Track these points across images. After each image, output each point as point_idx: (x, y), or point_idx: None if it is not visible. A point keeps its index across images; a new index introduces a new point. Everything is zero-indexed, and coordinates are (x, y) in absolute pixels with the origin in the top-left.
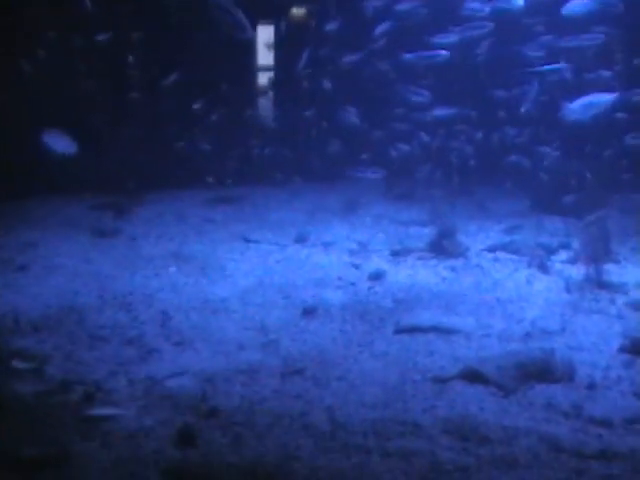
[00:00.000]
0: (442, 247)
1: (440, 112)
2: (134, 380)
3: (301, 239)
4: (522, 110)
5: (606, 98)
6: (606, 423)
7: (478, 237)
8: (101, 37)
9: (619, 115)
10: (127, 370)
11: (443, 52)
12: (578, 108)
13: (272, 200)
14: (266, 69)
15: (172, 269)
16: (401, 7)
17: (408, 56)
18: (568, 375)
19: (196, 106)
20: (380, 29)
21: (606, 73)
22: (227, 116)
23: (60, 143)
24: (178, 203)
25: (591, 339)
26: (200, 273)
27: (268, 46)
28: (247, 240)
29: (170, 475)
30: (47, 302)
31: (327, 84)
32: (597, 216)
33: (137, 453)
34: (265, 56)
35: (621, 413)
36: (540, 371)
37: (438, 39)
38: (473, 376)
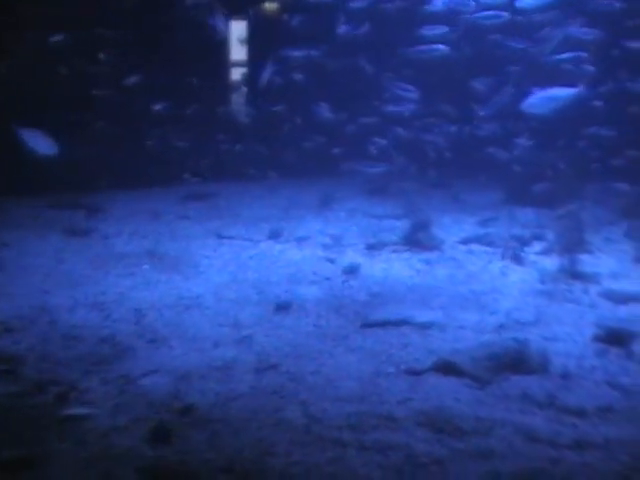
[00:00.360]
0: (416, 240)
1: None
2: (108, 379)
3: (275, 235)
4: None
5: (567, 92)
6: (580, 412)
7: (452, 230)
8: (71, 34)
9: (593, 105)
10: (101, 369)
11: (441, 46)
12: (538, 101)
13: (246, 196)
14: (240, 64)
15: (145, 267)
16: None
17: (407, 51)
18: (542, 365)
19: (168, 103)
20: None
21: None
22: (201, 112)
23: (42, 144)
24: (152, 200)
25: (565, 329)
26: (173, 270)
27: (241, 41)
28: (221, 236)
29: (145, 473)
30: (20, 302)
31: (301, 79)
32: (570, 207)
33: (112, 452)
34: (239, 51)
35: (595, 402)
36: (514, 362)
37: (423, 32)
38: (448, 368)
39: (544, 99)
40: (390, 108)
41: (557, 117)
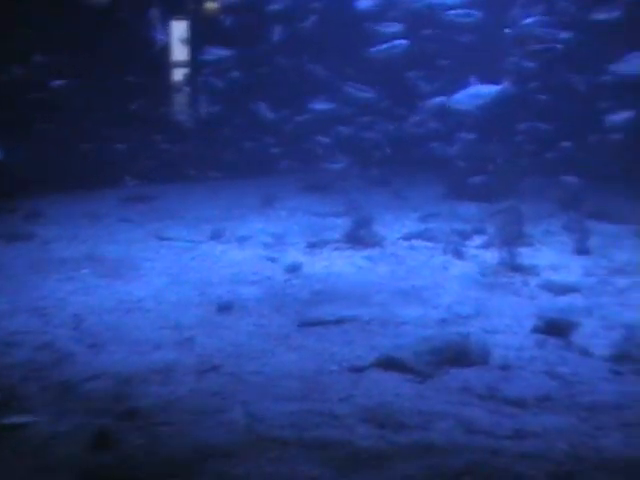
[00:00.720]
0: (358, 237)
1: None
2: (48, 386)
3: (216, 235)
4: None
5: (491, 89)
6: (520, 403)
7: (394, 226)
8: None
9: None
10: (41, 376)
11: (403, 42)
12: (464, 98)
13: (188, 197)
14: (181, 65)
15: (85, 271)
16: None
17: (369, 50)
18: (483, 358)
19: (108, 104)
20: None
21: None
22: (141, 113)
23: None
24: (92, 203)
25: (505, 321)
26: (114, 274)
27: (183, 41)
28: (162, 238)
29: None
30: None
31: (241, 79)
32: (509, 202)
33: (52, 460)
34: (180, 52)
35: (534, 392)
36: (456, 355)
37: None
38: (389, 363)
39: (469, 96)
40: (330, 106)
41: (483, 112)
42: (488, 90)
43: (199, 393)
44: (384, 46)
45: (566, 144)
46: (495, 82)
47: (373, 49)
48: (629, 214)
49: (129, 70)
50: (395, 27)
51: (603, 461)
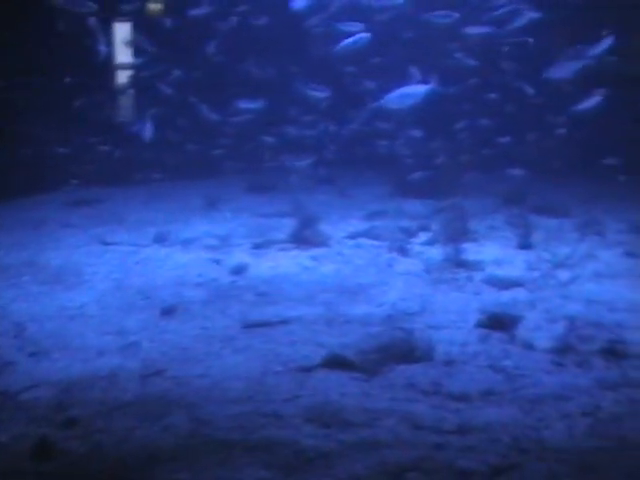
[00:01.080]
0: (304, 237)
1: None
2: None
3: (161, 238)
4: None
5: (420, 89)
6: (464, 397)
7: (340, 225)
8: None
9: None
10: None
11: (364, 35)
12: (395, 98)
13: (132, 200)
14: (125, 67)
15: (26, 278)
16: None
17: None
18: (427, 354)
19: (50, 107)
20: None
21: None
22: (84, 115)
23: None
24: (34, 209)
25: (450, 317)
26: (56, 280)
27: (126, 43)
28: (105, 243)
29: None
30: None
31: (183, 80)
32: (452, 199)
33: None
34: (123, 54)
35: (478, 386)
36: (401, 352)
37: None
38: (335, 363)
39: (400, 95)
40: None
41: (412, 111)
42: (417, 90)
43: (143, 398)
44: (349, 40)
45: (508, 139)
46: (425, 81)
47: (338, 45)
48: (571, 208)
49: (70, 71)
50: (354, 26)
51: (545, 452)
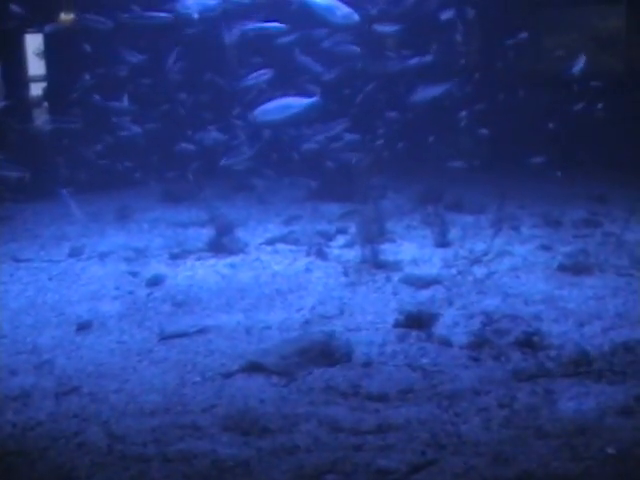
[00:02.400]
0: (221, 245)
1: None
2: None
3: (76, 252)
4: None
5: (301, 101)
6: (382, 397)
7: (257, 231)
8: None
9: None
10: None
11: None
12: (271, 109)
13: (45, 215)
14: (38, 79)
15: None
16: None
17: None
18: (346, 356)
19: None
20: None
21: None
22: None
23: None
24: None
25: (368, 318)
26: None
27: (39, 55)
28: (18, 260)
29: None
30: None
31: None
32: (370, 199)
33: None
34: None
35: (396, 386)
36: (319, 355)
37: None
38: (253, 369)
39: (277, 107)
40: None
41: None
42: (298, 102)
43: (58, 417)
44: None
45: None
46: (306, 96)
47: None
48: (486, 204)
49: None
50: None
51: (462, 446)
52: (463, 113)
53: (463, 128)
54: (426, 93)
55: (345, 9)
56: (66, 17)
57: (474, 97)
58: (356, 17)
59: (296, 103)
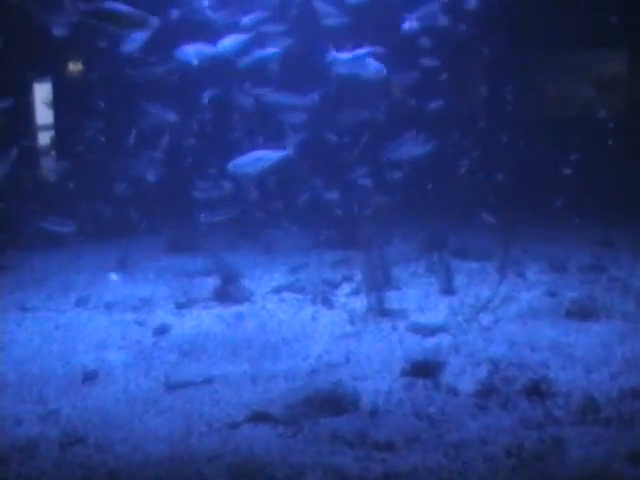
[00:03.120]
0: (227, 294)
1: None
2: None
3: (82, 302)
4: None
5: (274, 155)
6: (389, 446)
7: (263, 280)
8: None
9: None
10: None
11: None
12: (245, 162)
13: (52, 264)
14: (46, 128)
15: None
16: None
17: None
18: (353, 405)
19: None
20: None
21: None
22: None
23: None
24: None
25: (374, 367)
26: None
27: (47, 104)
28: (24, 309)
29: None
30: None
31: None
32: (375, 246)
33: None
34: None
35: (403, 435)
36: (326, 404)
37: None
38: (259, 419)
39: (251, 160)
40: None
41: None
42: (271, 155)
43: (63, 467)
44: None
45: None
46: (279, 148)
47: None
48: (491, 250)
49: None
50: None
51: None
52: (465, 161)
53: (465, 175)
54: (408, 152)
55: (376, 64)
56: (75, 67)
57: (477, 143)
58: (385, 71)
59: (269, 156)
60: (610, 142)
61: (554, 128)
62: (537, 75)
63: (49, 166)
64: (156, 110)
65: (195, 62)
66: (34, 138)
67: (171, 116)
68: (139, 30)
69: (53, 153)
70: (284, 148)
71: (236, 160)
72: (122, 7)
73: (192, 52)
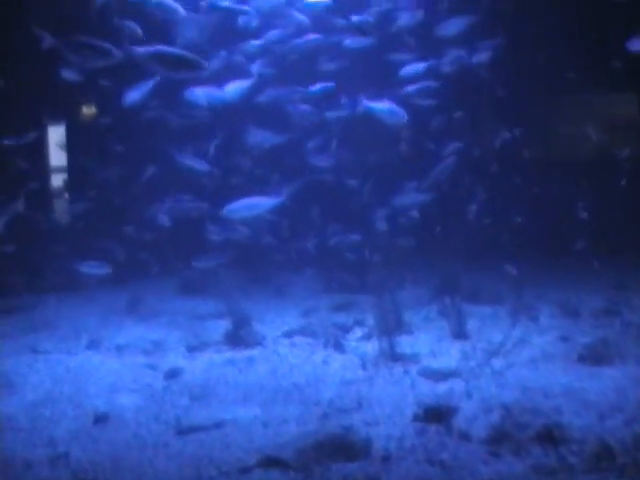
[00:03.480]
0: (239, 338)
1: None
2: None
3: (93, 344)
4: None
5: (267, 202)
6: None
7: (275, 324)
8: None
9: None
10: None
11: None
12: (239, 207)
13: (63, 307)
14: (60, 170)
15: None
16: None
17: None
18: (364, 450)
19: None
20: None
21: None
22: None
23: None
24: None
25: (386, 411)
26: None
27: (61, 146)
28: (36, 351)
29: None
30: None
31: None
32: (387, 291)
33: None
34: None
35: None
36: (337, 450)
37: None
38: (270, 464)
39: (245, 206)
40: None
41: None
42: (263, 202)
43: None
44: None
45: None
46: (271, 196)
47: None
48: (503, 293)
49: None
50: None
51: None
52: (477, 205)
53: (478, 218)
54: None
55: (400, 111)
56: (88, 111)
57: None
58: (406, 117)
59: (262, 202)
60: (625, 185)
61: (569, 171)
62: (551, 116)
63: (62, 208)
64: (184, 159)
65: (204, 103)
66: (47, 180)
67: (202, 165)
68: (196, 73)
69: (66, 195)
70: (279, 195)
71: (230, 205)
72: (180, 51)
73: (201, 94)
